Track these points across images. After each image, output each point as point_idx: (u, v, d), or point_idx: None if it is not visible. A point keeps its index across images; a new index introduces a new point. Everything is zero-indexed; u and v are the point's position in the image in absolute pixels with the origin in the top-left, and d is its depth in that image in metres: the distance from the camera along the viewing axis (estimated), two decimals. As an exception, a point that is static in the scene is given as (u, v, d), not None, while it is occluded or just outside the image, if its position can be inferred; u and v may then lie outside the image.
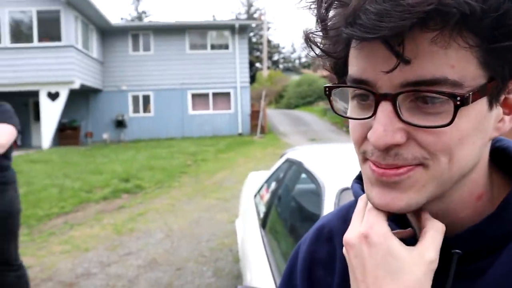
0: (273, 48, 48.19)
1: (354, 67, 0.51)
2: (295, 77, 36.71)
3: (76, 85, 15.91)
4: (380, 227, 0.53)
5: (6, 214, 3.01)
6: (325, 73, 0.60)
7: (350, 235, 0.55)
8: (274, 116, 25.48)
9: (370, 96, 0.50)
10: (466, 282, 0.54)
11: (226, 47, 20.29)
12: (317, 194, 2.21)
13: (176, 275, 4.65)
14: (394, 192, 0.51)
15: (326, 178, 2.23)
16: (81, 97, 18.69)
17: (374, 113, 0.49)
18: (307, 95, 31.26)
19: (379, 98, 0.49)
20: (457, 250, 0.54)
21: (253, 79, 33.45)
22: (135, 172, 10.86)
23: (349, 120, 0.55)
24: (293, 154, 3.34)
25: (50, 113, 15.95)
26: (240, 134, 19.82)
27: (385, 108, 0.48)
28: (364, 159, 0.54)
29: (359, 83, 0.51)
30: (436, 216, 0.54)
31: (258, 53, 44.42)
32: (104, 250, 5.54)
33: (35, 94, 16.34)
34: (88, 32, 17.92)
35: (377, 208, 0.54)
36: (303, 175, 2.80)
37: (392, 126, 0.48)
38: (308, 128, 20.42)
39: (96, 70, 18.65)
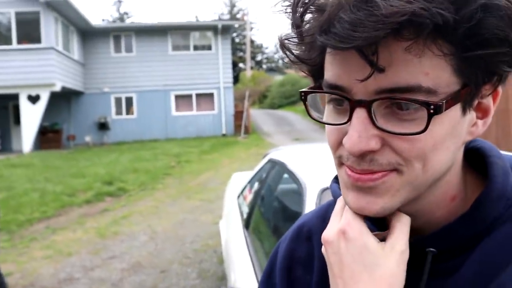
0: (256, 48, 48.20)
1: (330, 73, 0.51)
2: (278, 77, 36.76)
3: (57, 88, 15.68)
4: (357, 224, 0.54)
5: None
6: None
7: (329, 233, 0.56)
8: (258, 116, 25.48)
9: (345, 101, 0.51)
10: (440, 280, 0.55)
11: (209, 47, 20.22)
12: (299, 194, 2.22)
13: (160, 277, 4.63)
14: (369, 196, 0.52)
15: (307, 178, 2.24)
16: (63, 99, 18.42)
17: (350, 119, 0.50)
18: (291, 95, 31.32)
19: (354, 104, 0.49)
20: (431, 249, 0.55)
21: (236, 79, 33.41)
22: (118, 174, 10.76)
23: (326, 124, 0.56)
24: (275, 154, 3.35)
25: (31, 116, 15.68)
26: (224, 135, 19.78)
27: (360, 114, 0.49)
28: (340, 163, 0.55)
29: (335, 88, 0.51)
30: (413, 216, 0.56)
31: (241, 54, 44.36)
32: (87, 254, 5.49)
33: (15, 97, 16.05)
34: (68, 33, 17.68)
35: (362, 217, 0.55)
36: (286, 175, 2.81)
37: (366, 132, 0.49)
38: (292, 128, 20.49)
39: (78, 72, 18.41)
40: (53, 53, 15.68)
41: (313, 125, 21.00)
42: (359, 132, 0.49)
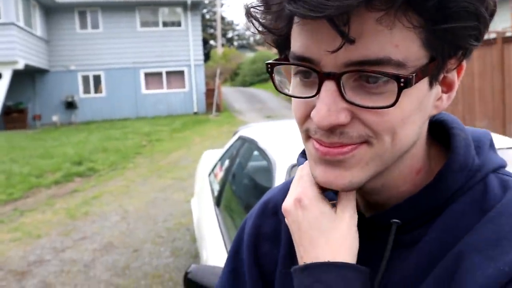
0: (227, 25, 47.52)
1: (298, 43, 0.50)
2: (249, 54, 36.49)
3: (20, 65, 15.11)
4: (311, 191, 0.56)
5: None
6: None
7: (287, 203, 0.58)
8: (230, 94, 25.33)
9: (313, 73, 0.50)
10: (403, 250, 0.56)
11: (178, 24, 19.82)
12: (268, 170, 2.23)
13: (133, 257, 4.61)
14: (338, 170, 0.52)
15: (277, 154, 2.25)
16: (27, 78, 17.78)
17: (318, 92, 0.49)
18: (262, 72, 31.15)
19: (323, 77, 0.48)
20: (395, 220, 0.56)
21: (207, 57, 32.97)
22: (88, 154, 10.56)
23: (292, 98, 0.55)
24: (245, 131, 3.34)
25: (-7, 96, 15.13)
26: (195, 113, 19.61)
27: (329, 87, 0.48)
28: (307, 137, 0.54)
29: (302, 60, 0.50)
30: (378, 190, 0.57)
31: (212, 30, 43.70)
32: (57, 235, 5.40)
33: (-24, 76, 15.43)
34: (30, 8, 16.95)
35: (321, 186, 0.55)
36: (255, 152, 2.81)
37: (336, 106, 0.48)
38: (264, 106, 20.47)
39: (42, 49, 17.77)
40: (14, 29, 15.04)
41: (285, 103, 21.04)
42: (328, 105, 0.48)
